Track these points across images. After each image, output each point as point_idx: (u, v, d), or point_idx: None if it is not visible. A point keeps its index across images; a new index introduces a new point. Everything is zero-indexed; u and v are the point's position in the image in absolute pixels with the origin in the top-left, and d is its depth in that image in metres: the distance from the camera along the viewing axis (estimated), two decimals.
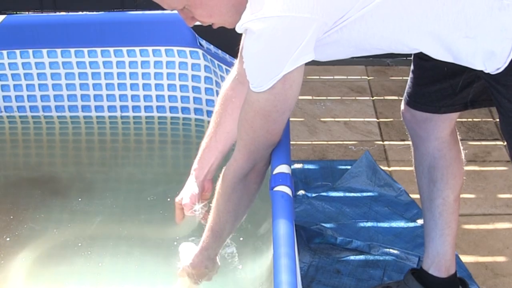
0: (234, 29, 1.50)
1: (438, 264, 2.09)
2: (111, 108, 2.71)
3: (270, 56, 1.45)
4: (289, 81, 1.47)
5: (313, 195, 2.65)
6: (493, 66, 1.54)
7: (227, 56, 2.51)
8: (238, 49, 1.72)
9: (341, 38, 1.51)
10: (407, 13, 1.48)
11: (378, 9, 1.46)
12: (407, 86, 1.97)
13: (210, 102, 2.65)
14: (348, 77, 3.50)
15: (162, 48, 2.59)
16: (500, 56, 1.51)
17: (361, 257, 2.38)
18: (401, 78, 3.48)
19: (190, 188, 1.91)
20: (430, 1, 1.48)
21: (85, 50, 2.61)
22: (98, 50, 2.61)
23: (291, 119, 1.64)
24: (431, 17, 1.49)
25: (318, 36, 1.46)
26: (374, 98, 3.34)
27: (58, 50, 2.62)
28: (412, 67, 1.92)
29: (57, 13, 3.35)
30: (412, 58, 1.91)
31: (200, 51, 2.56)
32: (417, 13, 1.48)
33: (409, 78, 1.96)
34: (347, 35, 1.51)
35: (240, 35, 1.53)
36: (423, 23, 1.50)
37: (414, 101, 1.96)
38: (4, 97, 2.70)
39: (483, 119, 3.16)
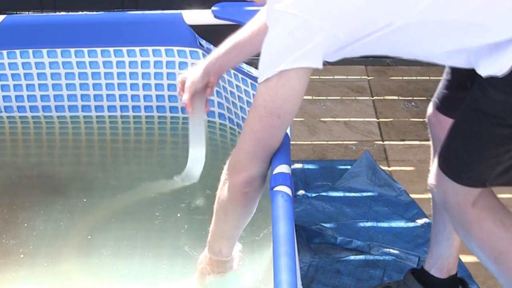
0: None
1: (441, 266, 2.09)
2: (111, 108, 2.71)
3: (274, 48, 1.50)
4: (283, 79, 1.50)
5: (313, 195, 2.65)
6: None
7: None
8: None
9: (365, 50, 1.57)
10: (429, 33, 1.51)
11: (399, 31, 1.50)
12: (438, 90, 1.91)
13: (210, 102, 2.64)
14: (348, 77, 3.50)
15: (162, 48, 2.59)
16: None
17: (361, 257, 2.38)
18: (401, 78, 3.48)
19: (193, 73, 2.02)
20: (452, 24, 1.50)
21: (85, 50, 2.61)
22: (98, 50, 2.61)
23: None
24: (454, 35, 1.51)
25: (331, 48, 1.49)
26: (374, 98, 3.34)
27: (58, 50, 2.62)
28: (446, 68, 1.88)
29: (57, 13, 3.35)
30: None
31: (200, 51, 2.56)
32: (439, 33, 1.51)
33: (441, 81, 1.89)
34: (371, 49, 1.56)
35: None
36: (448, 42, 1.52)
37: (445, 106, 1.89)
38: (4, 97, 2.70)
39: None
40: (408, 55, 1.60)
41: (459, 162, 1.68)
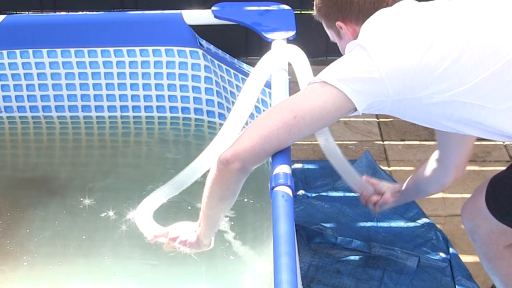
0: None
1: None
2: (111, 108, 2.71)
3: (335, 66, 1.59)
4: (321, 91, 1.56)
5: (313, 195, 2.65)
6: None
7: (227, 56, 2.51)
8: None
9: (398, 111, 1.70)
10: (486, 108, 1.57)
11: (450, 104, 1.57)
12: (497, 180, 1.81)
13: (210, 102, 2.65)
14: None
15: (162, 48, 2.60)
16: None
17: (361, 257, 2.38)
18: None
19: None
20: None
21: (85, 50, 2.61)
22: (98, 50, 2.61)
23: None
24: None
25: (375, 96, 1.56)
26: None
27: (58, 50, 2.62)
28: None
29: (57, 13, 3.35)
30: None
31: (200, 51, 2.57)
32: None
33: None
34: (403, 112, 1.70)
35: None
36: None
37: (499, 204, 1.76)
38: (4, 97, 2.70)
39: None
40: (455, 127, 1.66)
41: (508, 205, 1.71)
